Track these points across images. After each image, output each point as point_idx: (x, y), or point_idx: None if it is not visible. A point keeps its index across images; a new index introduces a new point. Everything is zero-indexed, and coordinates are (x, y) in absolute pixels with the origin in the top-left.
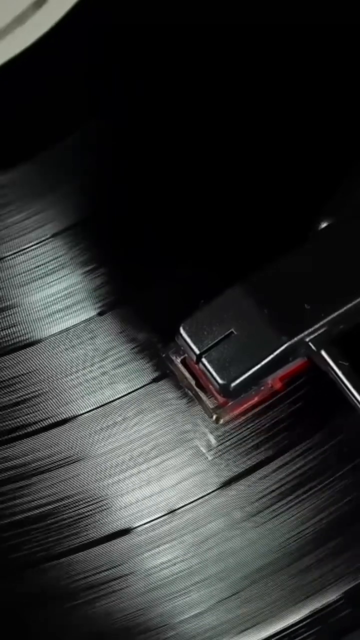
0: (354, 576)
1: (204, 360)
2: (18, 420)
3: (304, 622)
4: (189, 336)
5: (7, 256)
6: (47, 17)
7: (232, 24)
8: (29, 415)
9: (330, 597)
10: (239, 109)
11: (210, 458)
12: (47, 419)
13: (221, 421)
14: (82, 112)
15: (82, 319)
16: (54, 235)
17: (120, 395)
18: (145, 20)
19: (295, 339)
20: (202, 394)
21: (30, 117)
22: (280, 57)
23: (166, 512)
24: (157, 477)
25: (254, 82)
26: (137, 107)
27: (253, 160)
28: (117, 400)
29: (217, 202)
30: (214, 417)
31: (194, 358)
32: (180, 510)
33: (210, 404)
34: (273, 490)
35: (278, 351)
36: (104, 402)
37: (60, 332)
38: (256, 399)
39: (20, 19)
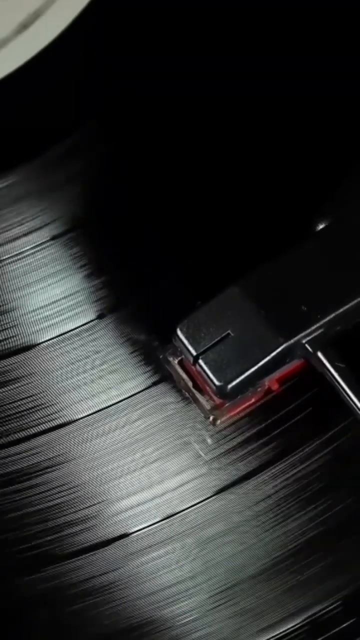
0: (352, 583)
1: (200, 361)
2: (16, 423)
3: (302, 629)
4: (186, 337)
5: (6, 259)
6: (51, 23)
7: (232, 24)
8: (27, 419)
9: (327, 603)
10: (238, 109)
11: (208, 462)
12: (45, 422)
13: (218, 422)
14: (82, 114)
15: (82, 322)
16: (53, 238)
17: (120, 399)
18: (145, 22)
19: (292, 340)
20: (199, 395)
21: (30, 120)
22: (280, 57)
23: (164, 516)
24: (156, 482)
25: (253, 83)
26: (137, 109)
27: (251, 161)
28: (117, 404)
29: (215, 204)
30: (211, 418)
31: (191, 359)
32: (178, 514)
33: (207, 405)
34: (272, 495)
35: (275, 353)
36: (104, 406)
37: (60, 335)
38: (253, 400)
39: (25, 25)
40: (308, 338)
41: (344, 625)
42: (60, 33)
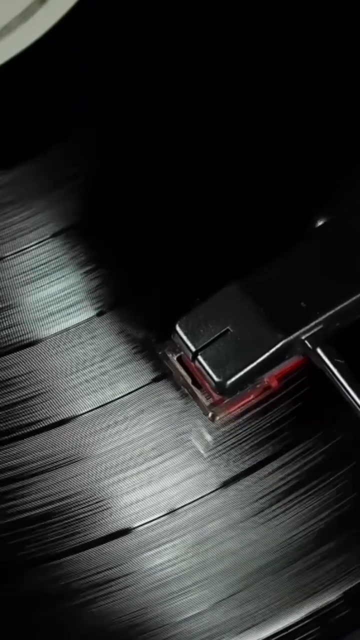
0: (354, 576)
1: (199, 357)
2: (18, 420)
3: (304, 622)
4: (185, 334)
5: (7, 256)
6: (48, 17)
7: (233, 25)
8: (28, 416)
9: (330, 597)
10: (237, 109)
11: (209, 458)
12: (46, 419)
13: (217, 419)
14: (82, 112)
15: (82, 319)
16: (53, 236)
17: (119, 396)
18: (147, 20)
19: (291, 337)
20: (198, 392)
21: (30, 117)
22: (280, 57)
23: (166, 512)
24: (157, 477)
25: (253, 84)
26: (137, 107)
27: (250, 160)
28: (117, 401)
29: (214, 201)
30: (210, 414)
31: (190, 356)
32: (180, 510)
33: (206, 401)
34: (272, 491)
35: (274, 349)
36: (104, 402)
37: (60, 332)
38: (252, 396)
39: (22, 17)
40: (307, 334)
41: (347, 618)
42: (58, 30)
